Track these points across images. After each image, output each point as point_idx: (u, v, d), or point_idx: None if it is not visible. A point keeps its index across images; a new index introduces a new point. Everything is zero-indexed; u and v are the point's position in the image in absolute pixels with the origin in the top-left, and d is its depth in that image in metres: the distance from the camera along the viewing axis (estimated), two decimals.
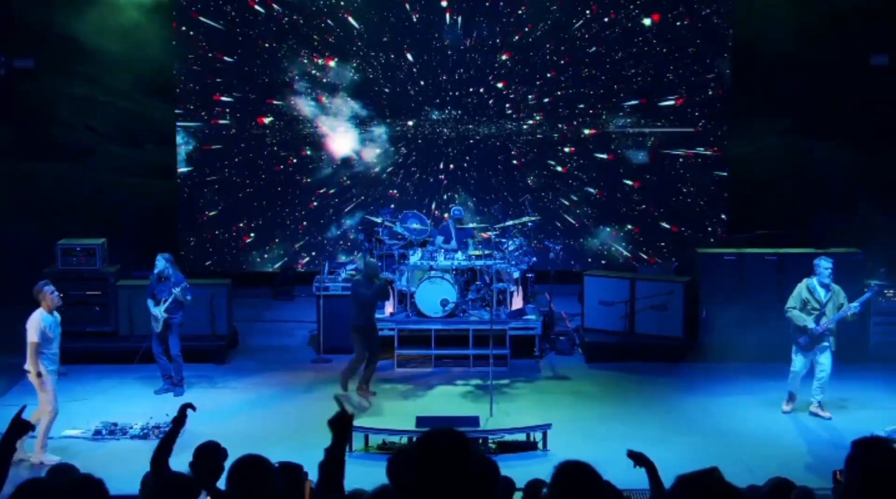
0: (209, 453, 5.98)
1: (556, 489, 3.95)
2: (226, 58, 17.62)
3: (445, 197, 17.94)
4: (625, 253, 18.03)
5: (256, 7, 17.52)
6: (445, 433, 3.36)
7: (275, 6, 17.50)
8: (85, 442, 11.17)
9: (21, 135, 15.97)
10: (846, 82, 16.36)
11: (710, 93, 17.63)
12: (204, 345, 14.10)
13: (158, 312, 12.67)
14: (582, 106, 17.83)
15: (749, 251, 14.65)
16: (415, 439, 10.04)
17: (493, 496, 4.15)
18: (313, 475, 5.27)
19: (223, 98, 17.75)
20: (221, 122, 17.84)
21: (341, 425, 4.86)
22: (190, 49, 17.59)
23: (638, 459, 5.46)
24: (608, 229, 18.05)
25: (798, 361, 11.73)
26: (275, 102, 17.83)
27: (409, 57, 17.81)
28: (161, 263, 12.79)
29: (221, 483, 5.44)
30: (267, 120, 17.91)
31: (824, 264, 11.59)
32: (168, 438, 6.38)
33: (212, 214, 18.05)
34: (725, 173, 17.74)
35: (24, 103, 16.23)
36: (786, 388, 11.98)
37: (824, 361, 11.63)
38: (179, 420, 6.69)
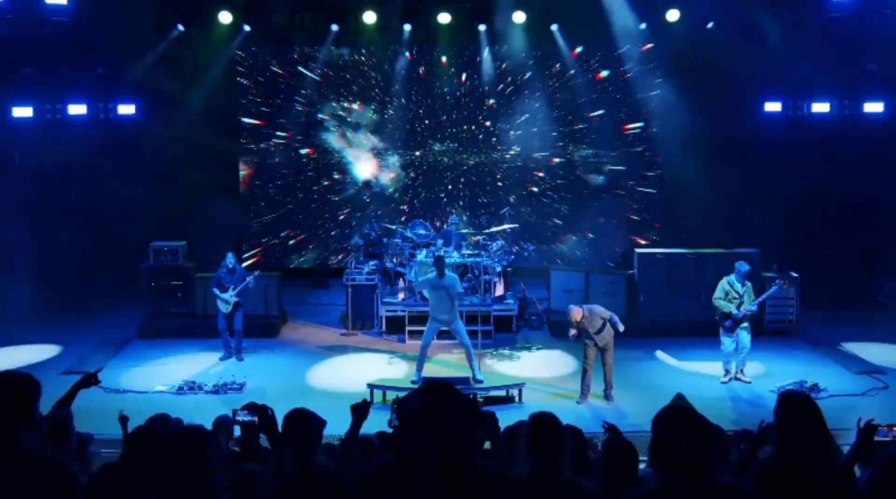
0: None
1: (531, 432, 4.00)
2: (275, 104, 17.72)
3: (447, 210, 17.96)
4: (581, 253, 18.12)
5: (298, 64, 17.64)
6: (442, 383, 3.35)
7: (312, 63, 17.61)
8: (171, 396, 11.25)
9: (125, 163, 16.07)
10: (745, 123, 16.41)
11: (647, 131, 17.71)
12: (260, 322, 14.05)
13: (230, 296, 12.73)
14: (551, 140, 17.91)
15: (674, 251, 14.71)
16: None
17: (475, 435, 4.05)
18: (338, 422, 5.23)
19: (274, 133, 17.86)
20: (272, 153, 17.93)
21: (360, 410, 4.72)
22: (249, 98, 17.71)
23: (610, 429, 5.58)
24: (570, 235, 18.11)
25: (727, 342, 11.63)
26: (311, 137, 17.93)
27: (417, 101, 17.89)
28: (232, 259, 12.88)
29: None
30: (305, 151, 17.99)
31: (741, 267, 11.64)
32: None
33: (264, 222, 18.13)
34: (657, 192, 17.83)
35: (127, 140, 16.33)
36: (722, 365, 11.83)
37: (744, 338, 11.59)
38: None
